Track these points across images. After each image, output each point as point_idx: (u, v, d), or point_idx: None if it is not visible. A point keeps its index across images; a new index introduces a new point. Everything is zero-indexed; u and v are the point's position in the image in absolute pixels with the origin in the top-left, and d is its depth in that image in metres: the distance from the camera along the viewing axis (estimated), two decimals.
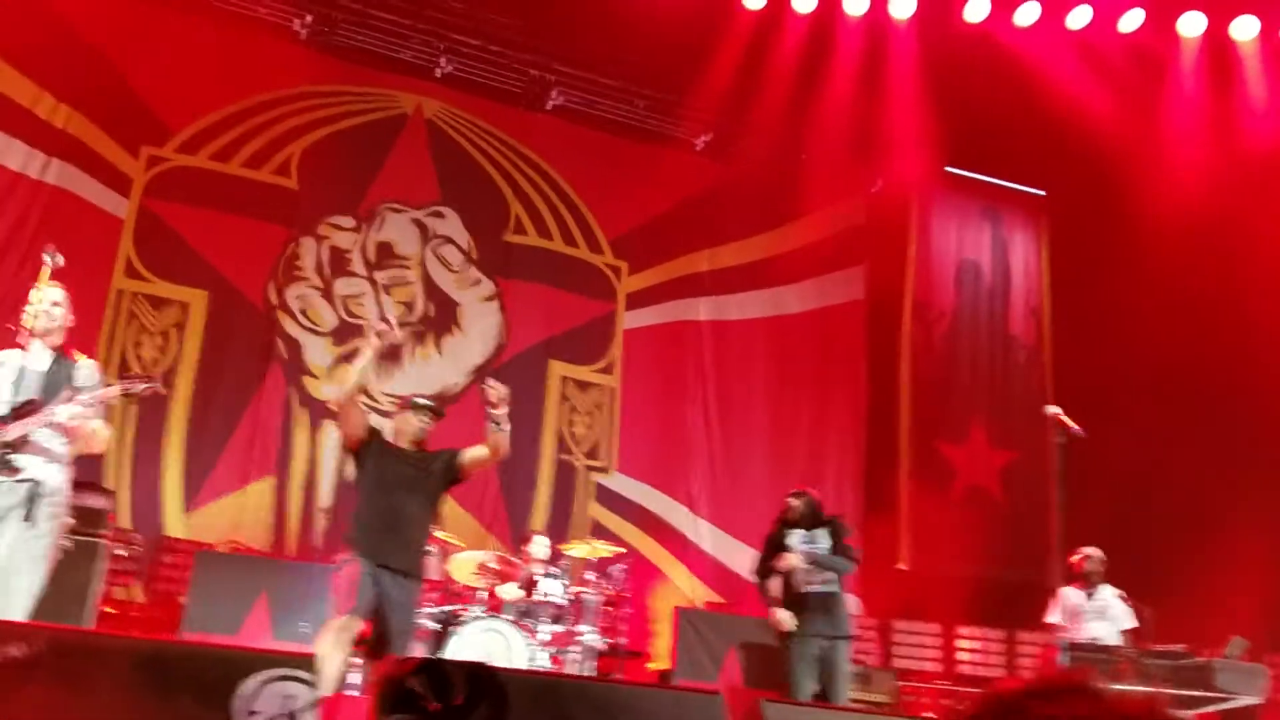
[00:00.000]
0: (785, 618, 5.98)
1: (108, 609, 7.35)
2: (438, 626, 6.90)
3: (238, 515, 8.84)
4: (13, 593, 4.27)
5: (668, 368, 10.71)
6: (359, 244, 9.85)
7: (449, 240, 10.18)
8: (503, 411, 4.90)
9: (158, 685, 3.45)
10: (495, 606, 7.04)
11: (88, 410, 4.41)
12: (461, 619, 6.67)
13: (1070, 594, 7.40)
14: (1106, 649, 6.93)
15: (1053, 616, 6.46)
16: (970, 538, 9.99)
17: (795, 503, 6.19)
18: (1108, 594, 7.37)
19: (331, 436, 8.96)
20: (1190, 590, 7.95)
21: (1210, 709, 6.80)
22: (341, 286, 9.71)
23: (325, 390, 9.16)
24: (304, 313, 9.48)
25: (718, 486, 10.51)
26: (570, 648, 7.10)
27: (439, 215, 10.18)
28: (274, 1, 9.43)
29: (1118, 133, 9.32)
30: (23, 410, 4.38)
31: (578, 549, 7.80)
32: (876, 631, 9.50)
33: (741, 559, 10.25)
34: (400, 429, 5.25)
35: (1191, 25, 9.18)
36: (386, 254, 9.93)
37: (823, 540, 6.11)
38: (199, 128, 9.44)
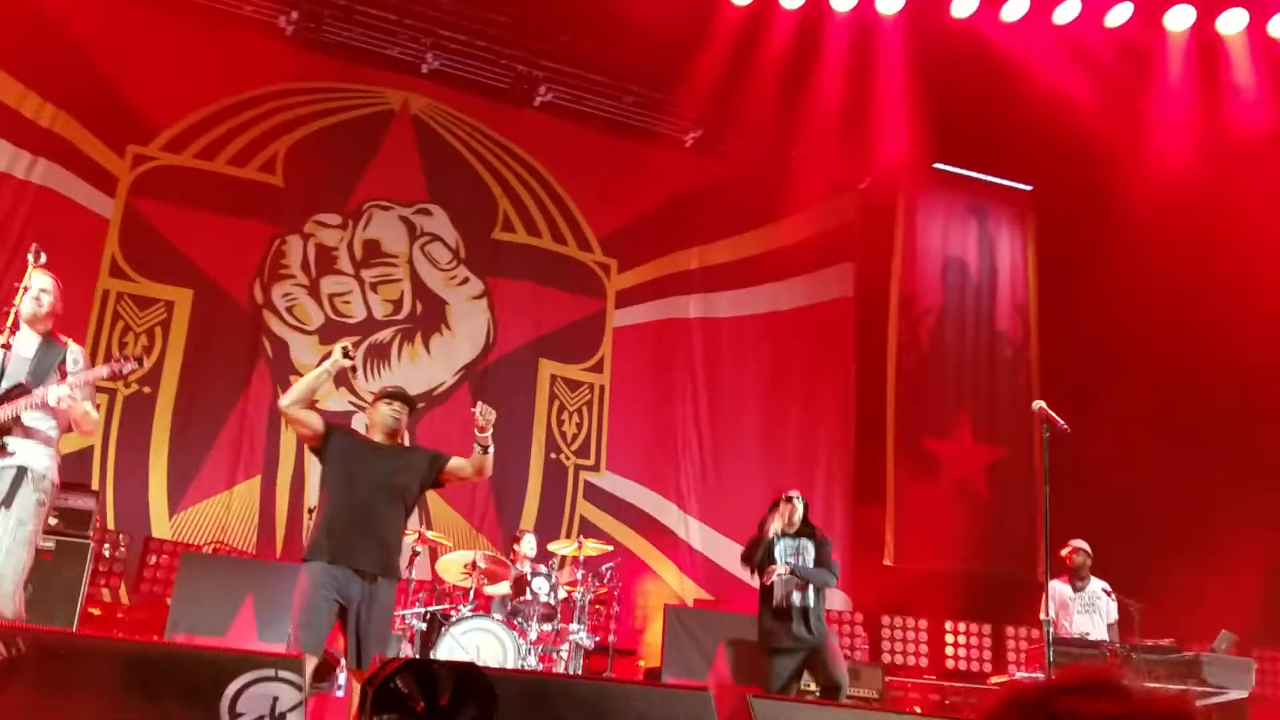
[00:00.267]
0: (783, 571, 5.95)
1: (93, 611, 7.32)
2: (426, 626, 6.89)
3: (224, 516, 8.80)
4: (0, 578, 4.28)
5: (657, 366, 10.71)
6: (346, 242, 9.81)
7: (437, 238, 10.15)
8: (489, 435, 4.77)
9: (143, 687, 3.44)
10: (484, 606, 7.04)
11: (76, 392, 4.43)
12: (451, 619, 6.66)
13: (1059, 587, 7.46)
14: (1095, 644, 6.96)
15: (1046, 611, 6.47)
16: (957, 533, 10.02)
17: (796, 505, 6.14)
18: (1095, 587, 7.42)
19: None
20: (1178, 585, 7.98)
21: (1198, 703, 6.83)
22: (328, 285, 9.67)
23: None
24: (290, 311, 9.44)
25: (707, 484, 10.51)
26: (560, 646, 7.10)
27: (426, 213, 10.15)
28: None
29: (1105, 128, 9.33)
30: (11, 394, 4.41)
31: (567, 548, 7.79)
32: (864, 627, 9.52)
33: (731, 557, 10.24)
34: (372, 421, 4.97)
35: (1178, 19, 9.19)
36: (374, 252, 9.89)
37: (808, 552, 6.09)
38: (184, 126, 9.39)
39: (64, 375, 4.49)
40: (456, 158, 10.35)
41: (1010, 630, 9.50)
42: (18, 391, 4.41)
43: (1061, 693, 1.27)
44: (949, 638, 9.51)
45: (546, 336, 10.33)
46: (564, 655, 7.14)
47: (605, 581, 7.60)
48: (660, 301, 10.82)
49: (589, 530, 9.35)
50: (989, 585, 9.97)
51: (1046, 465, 5.72)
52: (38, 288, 4.59)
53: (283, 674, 3.59)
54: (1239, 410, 9.28)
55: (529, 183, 10.59)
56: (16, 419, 4.41)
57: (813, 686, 6.17)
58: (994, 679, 8.59)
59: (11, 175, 8.65)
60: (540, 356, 10.27)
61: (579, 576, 7.43)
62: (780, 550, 6.06)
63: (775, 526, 6.09)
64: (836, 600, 9.43)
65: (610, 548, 8.00)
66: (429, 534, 7.53)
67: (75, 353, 4.64)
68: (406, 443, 5.12)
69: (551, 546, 7.97)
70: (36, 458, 4.45)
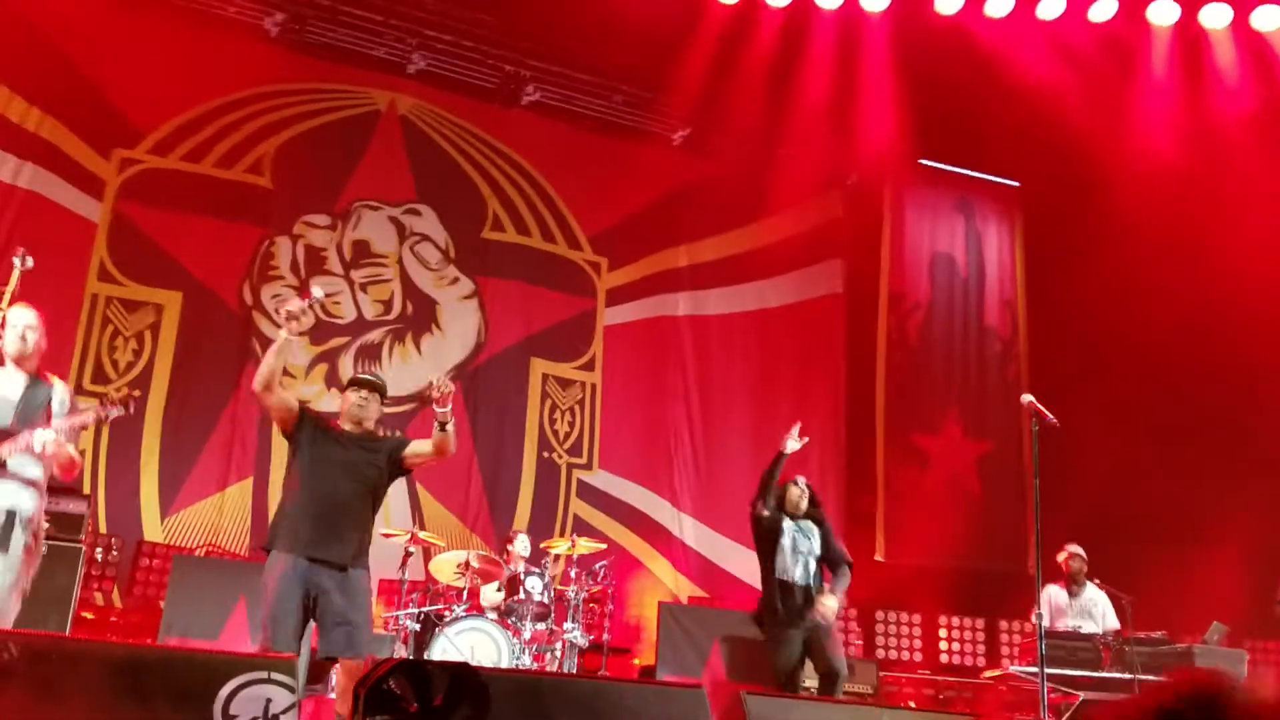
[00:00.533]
0: (832, 604, 5.96)
1: (85, 615, 7.31)
2: (420, 627, 6.89)
3: (216, 518, 8.79)
4: None
5: (648, 363, 10.72)
6: (335, 242, 9.79)
7: (426, 238, 10.14)
8: (448, 409, 4.61)
9: (137, 691, 3.43)
10: (478, 606, 7.03)
11: (62, 436, 4.38)
12: (444, 619, 6.66)
13: (1054, 592, 7.42)
14: (1087, 637, 6.99)
15: (1038, 614, 6.47)
16: (947, 528, 10.04)
17: (802, 490, 6.17)
18: (1091, 593, 7.39)
19: None
20: (1168, 577, 8.02)
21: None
22: (318, 286, 9.63)
23: (302, 389, 9.14)
24: (280, 313, 9.40)
25: (700, 481, 10.53)
26: (554, 645, 7.10)
27: (415, 213, 10.14)
28: (245, 1, 9.36)
29: (1090, 123, 9.38)
30: None
31: (560, 546, 7.79)
32: (858, 622, 9.55)
33: (724, 553, 10.29)
34: (341, 411, 4.86)
35: (1163, 14, 9.23)
36: (363, 252, 9.88)
37: (813, 535, 6.11)
38: (171, 129, 9.37)
39: (49, 416, 4.41)
40: (445, 158, 10.35)
41: (1004, 624, 9.54)
42: (3, 435, 4.34)
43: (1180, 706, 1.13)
44: (942, 632, 9.55)
45: (537, 335, 10.33)
46: (558, 654, 7.14)
47: (599, 580, 7.61)
48: (650, 299, 10.84)
49: (582, 529, 9.35)
50: (981, 579, 10.01)
51: (1037, 459, 5.75)
52: (22, 325, 4.50)
53: (276, 676, 3.59)
54: (1227, 402, 9.34)
55: (518, 182, 10.58)
56: (2, 464, 4.33)
57: (808, 682, 6.16)
58: (988, 673, 8.62)
59: None
60: (531, 355, 10.27)
61: (573, 575, 7.43)
62: (788, 535, 6.05)
63: (790, 445, 6.04)
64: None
65: (604, 546, 8.00)
66: (422, 534, 7.52)
67: (61, 393, 4.56)
68: (379, 432, 4.98)
69: (545, 545, 7.97)
70: (23, 501, 4.39)
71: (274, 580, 4.44)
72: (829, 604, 5.96)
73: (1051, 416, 5.76)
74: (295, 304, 4.73)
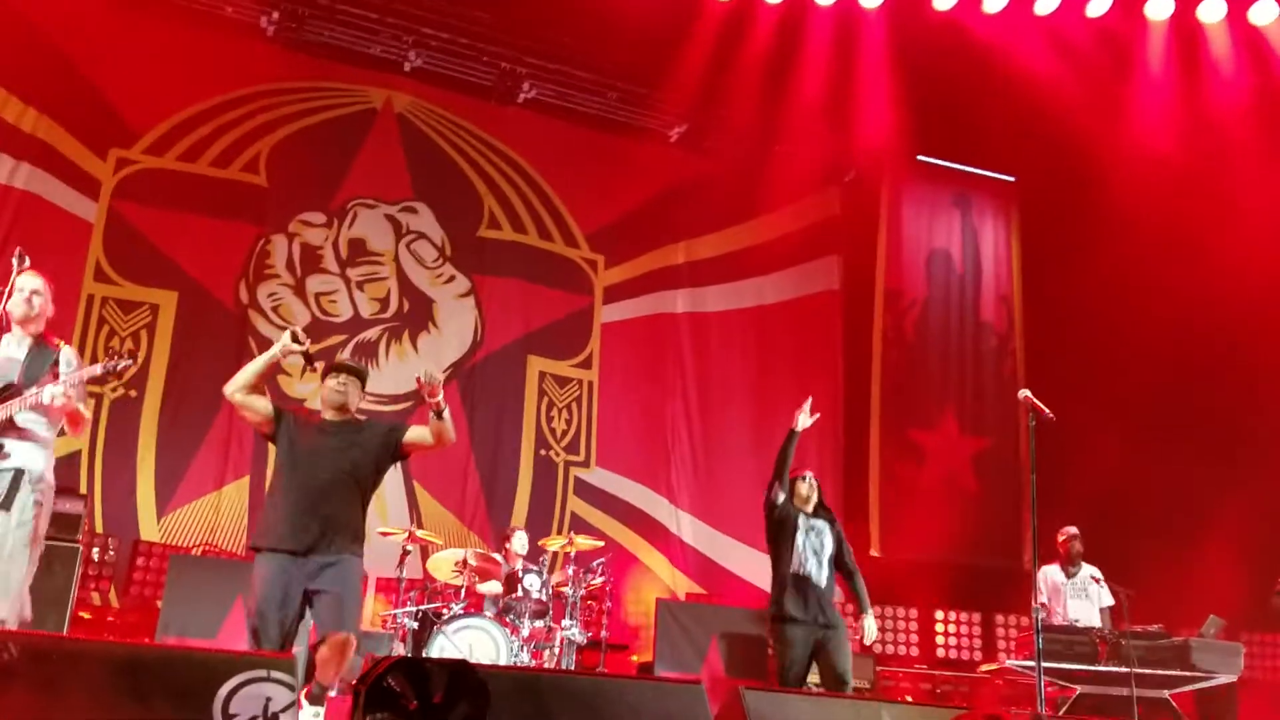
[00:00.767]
0: (873, 628, 5.95)
1: (83, 615, 7.31)
2: (419, 625, 6.89)
3: (213, 517, 8.78)
4: (6, 580, 4.27)
5: (646, 361, 10.72)
6: (331, 241, 9.79)
7: (422, 236, 10.13)
8: (439, 398, 4.55)
9: (135, 690, 3.44)
10: (476, 604, 7.04)
11: (71, 391, 4.43)
12: (443, 617, 6.67)
13: (1052, 572, 7.51)
14: (1084, 631, 7.01)
15: (1040, 597, 6.51)
16: (943, 524, 10.06)
17: (813, 485, 6.01)
18: (1086, 573, 7.48)
19: None
20: (1165, 571, 8.04)
21: (1187, 687, 6.89)
22: (314, 284, 9.64)
23: (298, 388, 9.14)
24: (276, 311, 9.41)
25: (698, 478, 10.54)
26: (552, 642, 7.10)
27: (412, 211, 10.13)
28: None
29: (1087, 118, 9.38)
30: (3, 395, 4.40)
31: (558, 544, 7.79)
32: (855, 617, 9.54)
33: (722, 549, 10.30)
34: (322, 396, 4.78)
35: (1159, 8, 9.23)
36: (359, 250, 9.87)
37: (825, 532, 5.93)
38: (166, 128, 9.35)
39: (57, 377, 4.47)
40: (441, 155, 10.34)
41: (1000, 618, 9.55)
42: (10, 392, 4.41)
43: None
44: (939, 627, 9.56)
45: (535, 333, 10.33)
46: (556, 651, 7.15)
47: (597, 576, 7.61)
48: (648, 297, 10.84)
49: (580, 526, 9.37)
50: (977, 575, 10.03)
51: (1034, 454, 5.74)
52: (29, 289, 4.58)
53: (275, 674, 3.59)
54: (1224, 397, 9.35)
55: (514, 180, 10.58)
56: (10, 421, 4.40)
57: (813, 681, 6.07)
58: (984, 667, 8.65)
59: None
60: (529, 353, 10.27)
61: (570, 572, 7.43)
62: (801, 529, 5.88)
63: (802, 420, 5.86)
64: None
65: (601, 543, 8.01)
66: (419, 532, 7.52)
67: (68, 354, 4.63)
68: (361, 419, 4.89)
69: (543, 543, 7.97)
70: (33, 459, 4.45)
71: (258, 583, 4.40)
72: (870, 628, 5.91)
73: (1048, 411, 5.76)
74: (303, 334, 4.64)
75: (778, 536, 5.93)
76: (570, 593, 7.32)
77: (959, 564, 10.04)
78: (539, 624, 7.04)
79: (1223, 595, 7.74)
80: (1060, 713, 6.63)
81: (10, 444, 4.41)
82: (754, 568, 10.06)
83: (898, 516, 10.49)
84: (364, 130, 10.07)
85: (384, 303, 9.84)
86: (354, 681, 3.66)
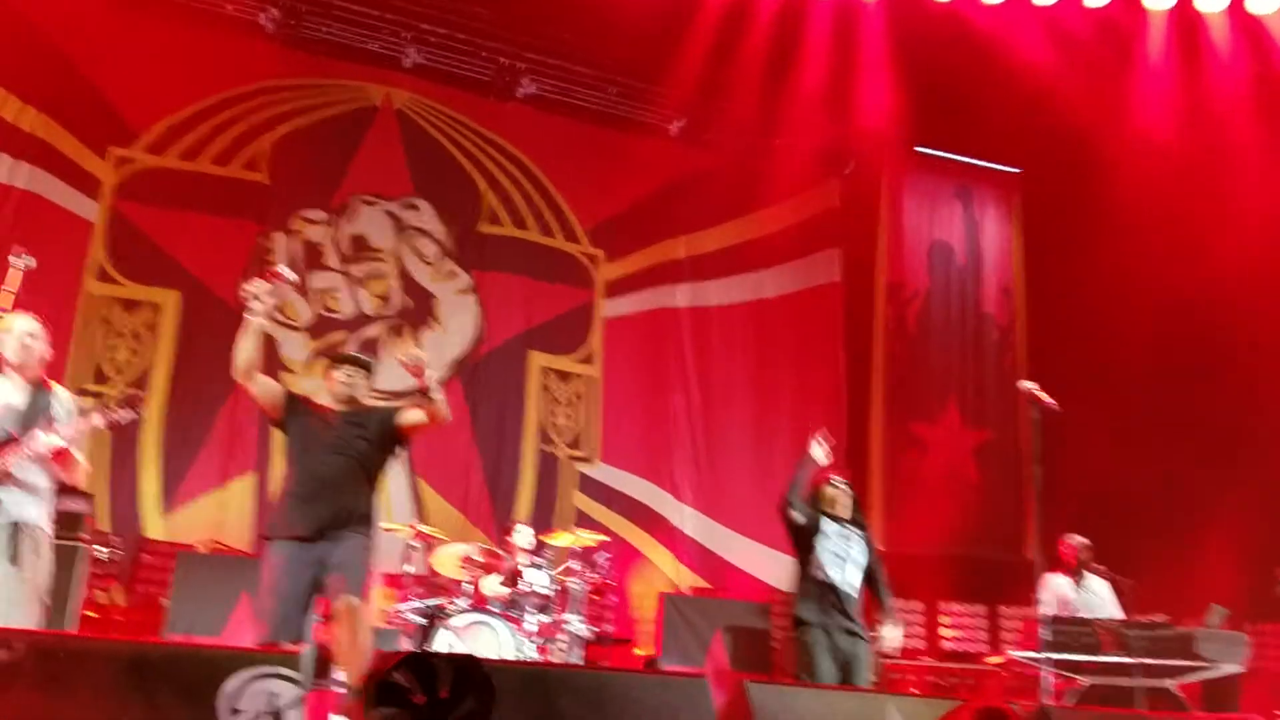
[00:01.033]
0: (898, 636, 5.63)
1: (89, 613, 7.31)
2: (424, 621, 6.89)
3: (219, 514, 8.80)
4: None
5: (648, 355, 10.73)
6: (332, 237, 9.79)
7: (423, 232, 10.14)
8: (427, 377, 4.57)
9: (141, 687, 3.44)
10: (480, 599, 7.04)
11: (71, 446, 4.37)
12: (447, 612, 6.67)
13: (1059, 583, 7.36)
14: (1087, 621, 6.98)
15: (1043, 605, 6.43)
16: (946, 517, 10.06)
17: (844, 491, 5.75)
18: (1095, 583, 7.36)
19: None
20: (1169, 561, 8.03)
21: (1192, 678, 6.88)
22: (316, 281, 9.65)
23: (302, 384, 9.14)
24: (278, 308, 9.42)
25: (701, 472, 10.55)
26: (557, 637, 7.11)
27: (413, 207, 10.13)
28: None
29: (1088, 109, 9.36)
30: (2, 445, 4.31)
31: (562, 538, 7.79)
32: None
33: (726, 543, 10.31)
34: (328, 390, 4.85)
35: None
36: (360, 247, 9.88)
37: (854, 539, 5.68)
38: (166, 126, 9.36)
39: (50, 422, 4.37)
40: (441, 152, 10.33)
41: (1004, 610, 9.55)
42: (8, 444, 4.30)
43: None
44: (943, 619, 9.56)
45: (536, 329, 10.34)
46: (561, 646, 7.15)
47: (601, 570, 7.62)
48: (649, 291, 10.84)
49: (584, 521, 9.37)
50: (980, 567, 10.02)
51: (1037, 445, 5.74)
52: (24, 332, 4.47)
53: (281, 670, 3.59)
54: (1226, 388, 9.33)
55: (514, 175, 10.58)
56: (8, 473, 4.30)
57: None
58: (989, 659, 8.65)
59: None
60: (530, 349, 10.28)
61: (575, 567, 7.44)
62: (829, 535, 5.63)
63: (818, 454, 5.65)
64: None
65: (606, 538, 8.01)
66: (423, 528, 7.53)
67: (67, 404, 4.52)
68: (367, 405, 4.92)
69: (548, 539, 7.98)
70: (31, 511, 4.35)
71: (269, 571, 4.44)
72: (893, 635, 5.60)
73: (1051, 401, 5.74)
74: (256, 283, 4.66)
75: (796, 542, 5.71)
76: (575, 587, 7.32)
77: (962, 556, 10.04)
78: (544, 618, 7.05)
79: (1226, 586, 7.73)
80: (1066, 703, 6.62)
81: (6, 495, 4.28)
82: (757, 561, 10.08)
83: (900, 509, 10.50)
84: (364, 127, 10.07)
85: (386, 299, 9.85)
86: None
